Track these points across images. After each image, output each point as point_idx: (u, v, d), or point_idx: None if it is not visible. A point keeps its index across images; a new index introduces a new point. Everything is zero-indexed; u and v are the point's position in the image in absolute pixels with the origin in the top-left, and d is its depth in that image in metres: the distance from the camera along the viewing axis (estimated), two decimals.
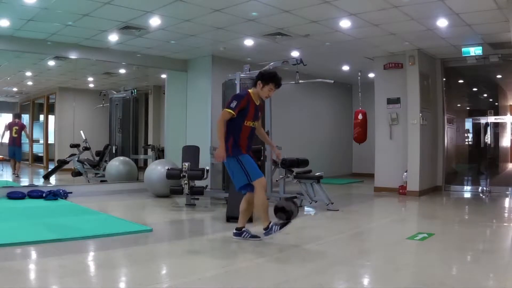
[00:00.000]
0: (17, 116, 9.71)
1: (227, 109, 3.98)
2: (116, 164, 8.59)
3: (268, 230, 4.07)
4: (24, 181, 9.20)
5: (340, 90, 12.13)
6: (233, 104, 3.96)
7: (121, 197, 7.40)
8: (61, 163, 8.97)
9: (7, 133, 9.24)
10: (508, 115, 9.89)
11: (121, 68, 9.44)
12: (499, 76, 9.65)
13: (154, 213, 6.17)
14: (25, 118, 10.57)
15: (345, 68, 10.00)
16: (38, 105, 10.58)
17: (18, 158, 9.28)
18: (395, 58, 8.28)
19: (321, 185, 6.35)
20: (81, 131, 9.08)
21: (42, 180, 9.02)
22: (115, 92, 9.80)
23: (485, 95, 10.60)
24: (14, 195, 6.58)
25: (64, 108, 9.68)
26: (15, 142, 9.29)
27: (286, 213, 4.12)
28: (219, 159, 4.00)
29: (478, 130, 9.47)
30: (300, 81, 6.75)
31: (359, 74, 9.87)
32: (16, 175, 9.13)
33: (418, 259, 3.74)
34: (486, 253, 3.89)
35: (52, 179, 8.88)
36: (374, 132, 8.69)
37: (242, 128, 4.03)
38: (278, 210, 4.15)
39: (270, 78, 4.11)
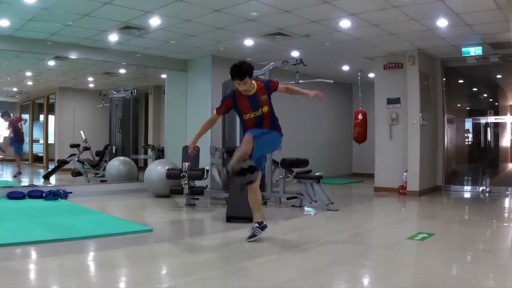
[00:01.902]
0: (8, 113, 9.68)
1: (215, 110, 4.24)
2: (116, 164, 8.59)
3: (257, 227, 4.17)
4: (24, 181, 9.20)
5: (340, 90, 12.12)
6: (218, 106, 4.23)
7: (121, 197, 7.40)
8: (61, 163, 8.97)
9: (8, 131, 9.28)
10: (508, 115, 9.90)
11: (121, 68, 9.44)
12: (499, 76, 9.65)
13: (154, 213, 6.17)
14: (25, 118, 10.57)
15: (345, 68, 10.00)
16: (38, 105, 10.57)
17: (20, 152, 9.35)
18: (395, 58, 8.28)
19: (321, 185, 6.35)
20: (81, 131, 9.07)
21: (42, 180, 9.02)
22: (115, 92, 9.80)
23: (485, 95, 10.61)
24: (14, 195, 6.58)
25: (64, 108, 9.67)
26: (23, 137, 9.36)
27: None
28: (190, 150, 4.24)
29: (478, 130, 9.47)
30: (300, 81, 6.75)
31: (359, 74, 9.87)
32: (20, 172, 9.16)
33: (418, 259, 3.74)
34: (486, 253, 3.89)
35: (52, 179, 8.88)
36: (374, 132, 8.70)
37: (245, 123, 4.13)
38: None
39: (231, 75, 4.00)
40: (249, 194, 4.18)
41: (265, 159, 4.30)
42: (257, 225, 4.15)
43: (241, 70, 3.95)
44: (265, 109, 4.06)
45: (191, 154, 4.32)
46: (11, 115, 9.55)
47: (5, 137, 9.28)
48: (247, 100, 4.05)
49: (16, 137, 9.25)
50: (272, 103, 4.19)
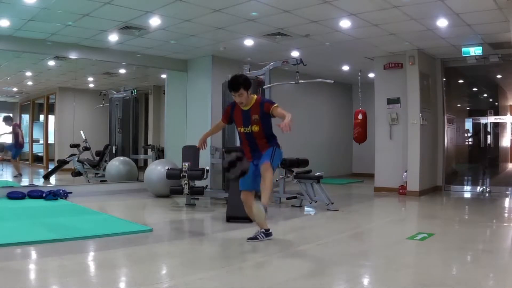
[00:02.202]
0: (11, 118, 9.68)
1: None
2: (116, 164, 8.59)
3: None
4: (24, 181, 9.20)
5: (340, 90, 12.13)
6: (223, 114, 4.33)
7: (121, 197, 7.40)
8: (61, 163, 8.97)
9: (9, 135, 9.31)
10: (508, 115, 9.90)
11: (121, 68, 9.43)
12: (499, 76, 9.65)
13: (154, 213, 6.17)
14: (25, 118, 10.58)
15: (345, 68, 10.00)
16: (38, 105, 10.58)
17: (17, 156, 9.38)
18: (395, 58, 8.28)
19: (321, 185, 6.35)
20: (81, 131, 9.08)
21: (42, 180, 9.02)
22: (115, 92, 9.80)
23: (485, 95, 10.61)
24: (14, 195, 6.58)
25: (64, 108, 9.67)
26: (23, 142, 9.39)
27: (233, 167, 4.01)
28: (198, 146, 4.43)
29: (478, 130, 9.47)
30: (300, 81, 6.74)
31: (359, 74, 9.87)
32: (21, 174, 9.17)
33: (418, 259, 3.74)
34: (486, 253, 3.89)
35: (52, 179, 8.88)
36: (374, 132, 8.70)
37: (239, 134, 4.22)
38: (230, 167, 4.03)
39: (228, 86, 4.10)
40: (247, 209, 4.17)
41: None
42: (263, 230, 4.14)
43: (236, 82, 4.00)
44: (255, 128, 4.02)
45: (200, 148, 4.43)
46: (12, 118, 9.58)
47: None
48: (241, 114, 4.09)
49: (16, 141, 9.26)
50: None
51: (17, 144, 9.21)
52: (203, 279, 3.01)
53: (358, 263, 3.51)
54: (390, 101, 8.37)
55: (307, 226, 5.31)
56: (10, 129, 9.33)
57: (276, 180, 6.77)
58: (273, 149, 4.07)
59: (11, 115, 9.83)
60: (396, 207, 7.01)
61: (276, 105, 4.03)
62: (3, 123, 9.43)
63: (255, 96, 4.14)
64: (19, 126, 9.56)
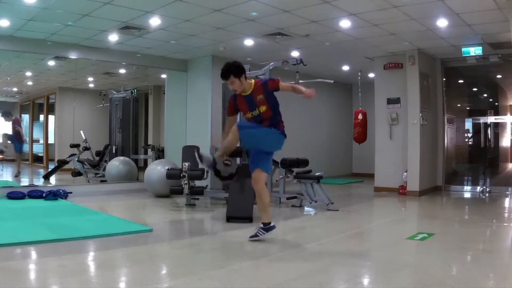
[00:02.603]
0: (9, 113, 9.66)
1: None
2: (116, 164, 8.59)
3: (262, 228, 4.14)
4: (24, 181, 9.20)
5: (340, 90, 12.13)
6: (227, 109, 4.26)
7: (121, 197, 7.40)
8: (61, 163, 8.97)
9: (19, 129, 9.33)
10: (508, 115, 9.89)
11: (121, 68, 9.44)
12: (499, 76, 9.65)
13: (154, 213, 6.17)
14: (25, 118, 10.59)
15: (345, 68, 10.00)
16: (38, 105, 10.58)
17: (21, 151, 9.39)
18: (395, 58, 8.28)
19: (321, 185, 6.35)
20: (81, 131, 9.08)
21: (42, 180, 9.02)
22: (115, 92, 9.80)
23: (485, 95, 10.61)
24: (14, 195, 6.58)
25: (64, 108, 9.67)
26: (23, 137, 9.41)
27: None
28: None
29: (478, 130, 9.47)
30: (300, 81, 6.75)
31: (359, 74, 9.87)
32: (19, 172, 9.16)
33: (418, 259, 3.74)
34: (486, 253, 3.89)
35: (52, 179, 8.88)
36: (374, 132, 8.70)
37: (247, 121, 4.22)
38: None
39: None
40: (256, 196, 4.17)
41: (267, 158, 4.19)
42: (262, 226, 4.12)
43: (226, 70, 3.99)
44: (263, 108, 4.00)
45: (226, 163, 4.20)
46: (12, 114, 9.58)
47: (4, 134, 9.29)
48: (244, 100, 4.06)
49: (18, 136, 9.25)
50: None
51: (17, 138, 9.21)
52: (203, 279, 3.01)
53: (358, 263, 3.51)
54: (390, 101, 8.37)
55: (307, 226, 5.31)
56: (17, 125, 9.33)
57: (276, 180, 6.78)
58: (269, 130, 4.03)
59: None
60: (396, 207, 7.01)
61: (278, 79, 4.08)
62: (2, 118, 9.41)
63: (253, 80, 4.12)
64: (19, 122, 9.51)
